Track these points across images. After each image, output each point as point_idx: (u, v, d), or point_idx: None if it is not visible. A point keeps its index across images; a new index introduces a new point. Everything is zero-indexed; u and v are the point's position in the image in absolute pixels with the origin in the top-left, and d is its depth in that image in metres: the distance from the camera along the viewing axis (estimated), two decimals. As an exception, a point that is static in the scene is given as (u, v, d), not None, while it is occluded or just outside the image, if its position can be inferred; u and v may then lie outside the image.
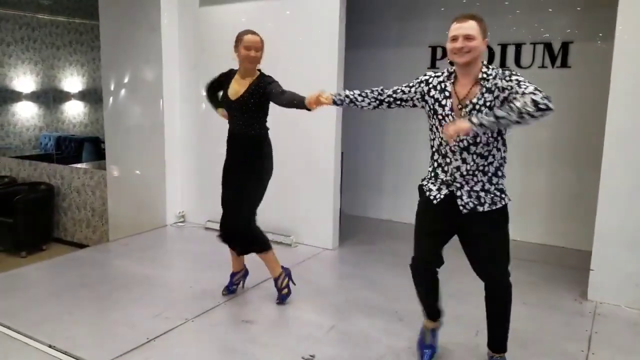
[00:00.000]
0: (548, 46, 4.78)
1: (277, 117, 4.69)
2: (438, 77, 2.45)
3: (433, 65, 5.29)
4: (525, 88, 2.14)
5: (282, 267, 3.42)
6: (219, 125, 5.08)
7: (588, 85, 4.64)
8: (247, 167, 3.30)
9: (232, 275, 3.55)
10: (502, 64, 4.95)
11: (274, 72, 4.73)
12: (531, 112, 2.06)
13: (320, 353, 2.75)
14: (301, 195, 4.67)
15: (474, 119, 2.14)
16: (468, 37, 2.25)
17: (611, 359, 2.75)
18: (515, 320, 3.16)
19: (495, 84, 2.26)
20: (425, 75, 2.51)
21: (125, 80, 5.31)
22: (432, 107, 2.42)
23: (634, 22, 3.28)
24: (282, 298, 3.36)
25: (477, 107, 2.28)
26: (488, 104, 2.27)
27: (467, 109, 2.30)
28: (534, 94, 2.10)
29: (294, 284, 3.42)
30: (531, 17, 4.83)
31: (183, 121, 5.25)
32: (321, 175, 4.56)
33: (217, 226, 5.05)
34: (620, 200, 3.43)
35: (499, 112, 2.11)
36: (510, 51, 4.93)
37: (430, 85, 2.44)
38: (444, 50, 5.23)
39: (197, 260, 4.25)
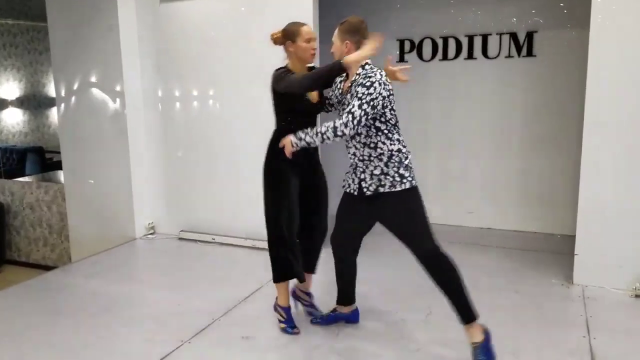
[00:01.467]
0: (514, 36, 4.86)
1: (252, 119, 4.56)
2: (341, 76, 2.76)
3: (402, 59, 5.27)
4: (349, 105, 2.47)
5: (286, 307, 3.06)
6: (188, 129, 4.88)
7: (553, 73, 4.76)
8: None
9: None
10: (470, 55, 5.01)
11: (247, 70, 4.58)
12: (330, 137, 2.47)
13: (332, 364, 2.66)
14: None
15: (295, 139, 2.56)
16: (332, 42, 2.66)
17: (613, 343, 2.82)
18: (512, 308, 3.28)
19: (352, 89, 2.55)
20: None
21: (81, 85, 4.96)
22: None
23: (609, 11, 3.36)
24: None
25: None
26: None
27: (342, 108, 2.69)
28: (340, 118, 2.46)
29: (289, 330, 3.04)
30: (496, 8, 4.89)
31: (148, 126, 4.97)
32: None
33: (192, 236, 4.86)
34: (601, 185, 3.52)
35: (308, 137, 2.53)
36: (477, 42, 4.98)
37: (335, 83, 2.81)
38: (412, 43, 5.23)
39: (178, 275, 4.03)
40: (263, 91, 4.40)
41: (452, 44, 5.08)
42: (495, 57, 4.95)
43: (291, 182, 2.88)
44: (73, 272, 4.20)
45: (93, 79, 4.82)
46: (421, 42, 5.18)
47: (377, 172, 2.59)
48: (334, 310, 3.09)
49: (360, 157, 2.63)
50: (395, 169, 2.56)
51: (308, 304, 3.24)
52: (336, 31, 2.65)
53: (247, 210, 4.66)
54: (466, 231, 4.99)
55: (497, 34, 4.92)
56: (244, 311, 3.34)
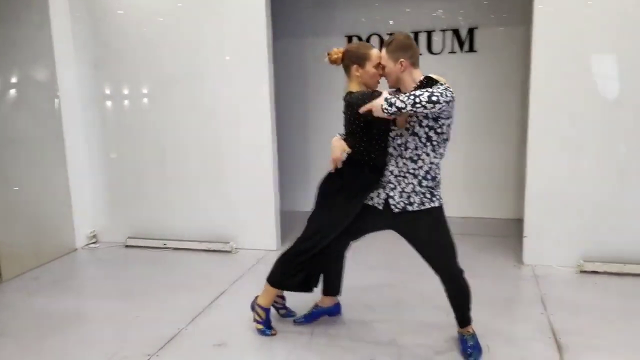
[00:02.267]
0: (456, 32, 5.04)
1: (201, 118, 4.38)
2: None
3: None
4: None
5: (266, 308, 2.99)
6: (131, 129, 4.60)
7: (493, 67, 5.01)
8: None
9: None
10: (413, 50, 5.12)
11: (194, 67, 4.37)
12: (423, 103, 2.23)
13: (311, 364, 2.63)
14: (237, 196, 4.42)
15: (386, 103, 2.29)
16: (382, 66, 2.54)
17: (569, 317, 3.00)
18: (472, 291, 3.39)
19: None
20: None
21: (10, 83, 4.52)
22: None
23: (550, 9, 3.56)
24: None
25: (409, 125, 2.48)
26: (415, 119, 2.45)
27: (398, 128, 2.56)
28: (431, 90, 2.26)
29: (267, 332, 2.97)
30: (440, 5, 5.04)
31: (86, 127, 4.65)
32: (259, 173, 4.35)
33: (141, 243, 4.60)
34: (547, 171, 3.74)
35: (399, 102, 2.26)
36: (422, 38, 5.12)
37: None
38: (360, 39, 5.26)
39: (130, 285, 3.81)
40: (213, 88, 4.32)
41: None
42: (439, 53, 5.10)
43: (357, 205, 2.73)
44: (10, 290, 3.85)
45: (24, 77, 4.41)
46: (368, 38, 5.24)
47: (408, 189, 2.53)
48: (315, 306, 3.06)
49: (397, 173, 2.55)
50: (427, 187, 2.52)
51: (281, 306, 3.18)
52: (384, 53, 2.50)
53: (200, 212, 4.51)
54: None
55: (440, 30, 5.08)
56: (211, 318, 3.22)
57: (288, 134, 5.44)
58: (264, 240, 4.42)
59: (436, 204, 2.56)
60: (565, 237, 3.76)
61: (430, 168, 2.52)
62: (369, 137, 2.59)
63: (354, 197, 2.69)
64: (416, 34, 5.11)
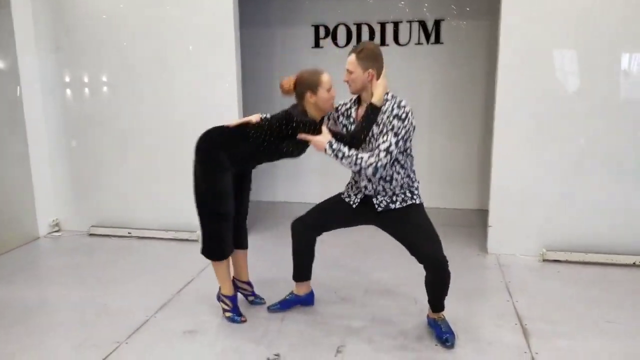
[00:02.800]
0: (423, 24, 5.11)
1: (165, 105, 4.30)
2: (345, 104, 2.74)
3: (317, 45, 5.30)
4: (383, 140, 2.45)
5: (230, 295, 2.98)
6: (94, 116, 4.48)
7: (459, 59, 5.10)
8: None
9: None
10: (382, 42, 5.17)
11: (159, 52, 4.28)
12: (367, 174, 2.48)
13: (283, 349, 2.64)
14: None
15: (333, 146, 2.50)
16: (349, 71, 2.55)
17: (533, 304, 3.11)
18: None
19: (382, 119, 2.50)
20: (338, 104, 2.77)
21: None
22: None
23: (518, 3, 3.66)
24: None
25: (370, 138, 2.55)
26: (376, 136, 2.52)
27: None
28: (378, 159, 2.43)
29: (236, 319, 2.95)
30: (407, -4, 5.10)
31: (48, 114, 4.50)
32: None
33: (105, 231, 4.48)
34: (510, 163, 3.85)
35: (345, 159, 2.48)
36: (389, 29, 5.17)
37: (339, 112, 2.75)
38: (327, 29, 5.28)
39: (95, 274, 3.72)
40: (177, 75, 4.24)
41: (365, 30, 5.22)
42: (406, 44, 5.16)
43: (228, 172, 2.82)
44: (-32, 279, 3.70)
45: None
46: (336, 28, 5.25)
47: (389, 194, 2.64)
48: (291, 293, 3.08)
49: (372, 190, 2.65)
50: (406, 189, 2.64)
51: (250, 293, 3.19)
52: (353, 59, 2.52)
53: (165, 200, 4.45)
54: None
55: (407, 21, 5.14)
56: (179, 305, 3.19)
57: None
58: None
59: (417, 201, 2.66)
60: (528, 227, 3.89)
61: (404, 183, 2.63)
62: (276, 151, 2.74)
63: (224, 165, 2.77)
64: (383, 24, 5.16)
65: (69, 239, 4.51)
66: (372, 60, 2.50)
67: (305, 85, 2.63)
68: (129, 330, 2.86)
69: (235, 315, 2.95)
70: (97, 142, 4.52)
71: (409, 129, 2.46)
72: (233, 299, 2.98)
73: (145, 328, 2.89)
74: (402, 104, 2.48)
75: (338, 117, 2.75)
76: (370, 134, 2.54)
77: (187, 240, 4.38)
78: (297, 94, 2.68)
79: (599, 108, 3.66)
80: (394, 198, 2.64)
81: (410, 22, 5.13)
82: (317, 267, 3.10)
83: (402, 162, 2.58)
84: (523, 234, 3.91)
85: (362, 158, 2.45)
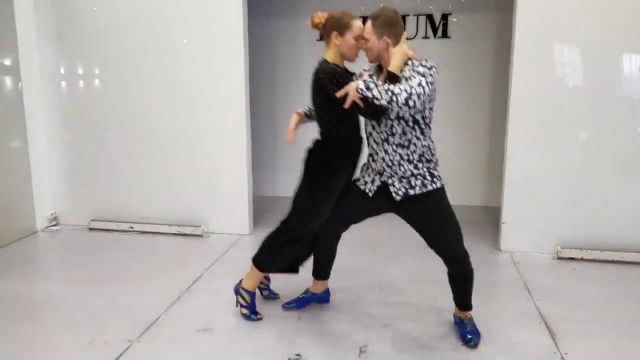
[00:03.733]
0: (430, 18, 5.03)
1: (171, 95, 4.16)
2: (368, 71, 2.57)
3: (321, 38, 5.17)
4: (413, 78, 2.23)
5: (252, 292, 2.87)
6: (94, 108, 4.33)
7: (466, 54, 5.03)
8: None
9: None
10: (390, 35, 5.07)
11: (165, 44, 4.13)
12: (398, 102, 2.18)
13: (304, 349, 2.54)
14: (209, 179, 4.25)
15: (364, 86, 2.22)
16: (365, 39, 2.43)
17: (554, 303, 3.04)
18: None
19: (405, 76, 2.33)
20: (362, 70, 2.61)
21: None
22: None
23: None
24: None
25: None
26: None
27: None
28: (411, 87, 2.18)
29: (252, 317, 2.85)
30: (415, -11, 5.01)
31: (48, 104, 4.34)
32: (232, 155, 4.19)
33: (106, 225, 4.33)
34: (524, 159, 3.79)
35: (376, 91, 2.20)
36: (397, 22, 5.07)
37: (362, 78, 2.53)
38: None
39: (100, 270, 3.58)
40: (181, 65, 4.11)
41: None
42: (413, 38, 5.08)
43: (340, 184, 2.65)
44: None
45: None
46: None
47: (407, 174, 2.44)
48: (306, 291, 2.98)
49: (390, 162, 2.46)
50: (425, 168, 2.45)
51: (265, 287, 3.09)
52: (369, 26, 2.40)
53: (170, 193, 4.32)
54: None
55: (414, 15, 5.06)
56: (191, 303, 3.07)
57: (256, 116, 5.28)
58: (236, 224, 4.28)
59: (438, 185, 2.48)
60: (542, 224, 3.83)
61: (424, 152, 2.45)
62: (336, 109, 2.45)
63: (336, 174, 2.61)
64: (391, 18, 5.06)
65: (68, 233, 4.35)
66: (387, 27, 2.37)
67: (335, 24, 2.50)
68: (141, 328, 2.73)
69: (251, 312, 2.84)
70: (98, 134, 4.37)
71: (435, 78, 2.26)
72: (253, 295, 2.87)
73: (157, 326, 2.77)
74: (427, 61, 2.31)
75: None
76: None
77: (191, 235, 4.25)
78: (325, 32, 2.55)
79: (614, 104, 3.61)
80: (413, 182, 2.44)
81: (417, 15, 5.05)
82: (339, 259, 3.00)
83: (423, 126, 2.41)
84: (537, 231, 3.85)
85: (394, 87, 2.19)
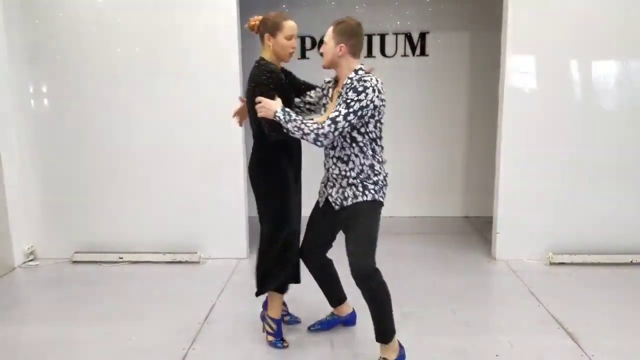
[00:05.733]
0: (408, 36, 5.19)
1: (158, 113, 3.99)
2: (329, 83, 2.61)
3: (303, 56, 5.22)
4: (335, 109, 2.29)
5: (277, 319, 2.83)
6: (75, 131, 4.07)
7: (443, 70, 5.23)
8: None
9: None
10: (369, 53, 5.20)
11: (151, 61, 3.96)
12: (308, 140, 2.32)
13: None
14: (203, 202, 4.12)
15: (281, 114, 2.34)
16: (324, 42, 2.46)
17: (565, 307, 3.22)
18: (461, 290, 3.52)
19: (342, 93, 2.35)
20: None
21: None
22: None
23: (523, 15, 3.80)
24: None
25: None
26: None
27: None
28: (322, 126, 2.27)
29: (278, 344, 2.79)
30: (393, 9, 5.15)
31: (21, 131, 4.04)
32: (228, 176, 4.09)
33: (92, 257, 4.05)
34: (517, 170, 3.99)
35: (290, 124, 2.32)
36: (376, 41, 5.20)
37: (324, 89, 2.65)
38: (313, 40, 5.21)
39: (100, 307, 3.34)
40: (172, 86, 3.97)
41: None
42: (392, 56, 5.22)
43: (292, 187, 2.67)
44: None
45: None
46: (322, 39, 5.17)
47: (344, 184, 2.47)
48: (331, 314, 2.96)
49: (333, 174, 2.51)
50: (360, 182, 2.44)
51: (285, 313, 3.04)
52: (330, 31, 2.42)
53: (161, 219, 4.14)
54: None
55: (393, 33, 5.20)
56: (214, 334, 2.96)
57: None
58: (233, 248, 4.18)
59: (368, 198, 2.43)
60: (533, 232, 4.04)
61: (363, 170, 2.44)
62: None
63: (280, 179, 2.62)
64: (370, 36, 5.19)
65: (49, 268, 4.04)
66: (347, 36, 2.37)
67: (266, 25, 2.55)
68: (171, 366, 2.60)
69: (277, 340, 2.79)
70: (77, 157, 4.11)
71: (366, 105, 2.26)
72: (279, 322, 2.82)
73: (188, 362, 2.65)
74: (364, 78, 2.30)
75: (321, 94, 2.66)
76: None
77: (187, 262, 4.09)
78: (260, 33, 2.60)
79: (602, 114, 3.89)
80: (346, 193, 2.46)
81: (396, 34, 5.20)
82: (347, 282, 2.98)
83: (362, 145, 2.40)
84: (528, 239, 4.05)
85: (306, 123, 2.30)
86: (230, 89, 3.90)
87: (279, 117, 2.33)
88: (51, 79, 4.02)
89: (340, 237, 2.59)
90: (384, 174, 2.50)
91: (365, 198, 2.43)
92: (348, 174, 2.43)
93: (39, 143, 4.10)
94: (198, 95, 3.97)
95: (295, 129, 2.30)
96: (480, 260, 4.11)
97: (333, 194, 2.52)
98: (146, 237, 4.17)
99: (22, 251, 4.10)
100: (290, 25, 2.55)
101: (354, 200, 2.44)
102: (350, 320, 2.99)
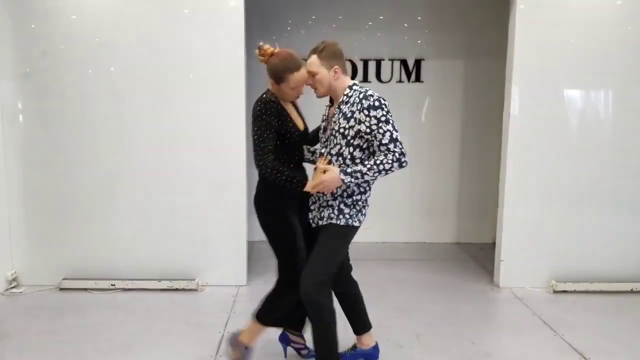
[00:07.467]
0: (404, 62, 5.23)
1: (154, 131, 3.81)
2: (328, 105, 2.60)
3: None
4: (382, 136, 2.28)
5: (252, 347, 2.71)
6: (61, 150, 3.84)
7: (438, 96, 5.29)
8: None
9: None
10: (365, 79, 5.20)
11: (152, 76, 3.78)
12: (394, 170, 2.30)
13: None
14: (201, 226, 3.95)
15: (346, 176, 2.29)
16: (312, 73, 2.41)
17: (580, 335, 3.22)
18: (470, 320, 3.47)
19: (352, 112, 2.34)
20: None
21: None
22: None
23: (527, 42, 3.88)
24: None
25: (334, 133, 2.41)
26: (342, 130, 2.37)
27: (326, 136, 2.49)
28: (393, 151, 2.27)
29: None
30: (389, 36, 5.19)
31: (7, 150, 3.79)
32: (227, 200, 3.93)
33: (80, 284, 3.77)
34: (520, 198, 4.02)
35: (368, 174, 2.29)
36: (372, 66, 5.22)
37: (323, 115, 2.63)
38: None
39: (99, 338, 3.11)
40: (169, 103, 3.82)
41: (347, 66, 5.18)
42: (387, 81, 5.24)
43: (292, 219, 2.53)
44: None
45: None
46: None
47: (323, 204, 2.45)
48: (354, 347, 2.83)
49: (316, 193, 2.45)
50: (338, 202, 2.41)
51: (303, 347, 2.90)
52: (315, 59, 2.39)
53: (156, 244, 3.94)
54: (363, 246, 5.01)
55: (389, 59, 5.23)
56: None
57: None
58: (232, 275, 4.00)
59: (341, 223, 2.40)
60: (536, 260, 4.06)
61: (340, 195, 2.42)
62: (286, 148, 2.48)
63: (285, 218, 2.51)
64: (365, 61, 5.21)
65: (36, 296, 3.75)
66: (335, 58, 2.39)
67: (272, 73, 2.42)
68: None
69: None
70: (70, 180, 3.88)
71: (388, 111, 2.31)
72: (250, 352, 2.67)
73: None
74: (369, 92, 2.33)
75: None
76: (337, 127, 2.39)
77: (184, 289, 3.89)
78: (267, 71, 2.47)
79: (604, 143, 3.98)
80: (323, 213, 2.44)
81: (392, 60, 5.23)
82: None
83: (359, 161, 2.40)
84: (532, 267, 4.07)
85: (376, 162, 2.27)
86: (232, 113, 3.83)
87: (349, 180, 2.30)
88: (43, 96, 3.80)
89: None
90: (369, 194, 2.47)
91: (338, 222, 2.40)
92: (332, 195, 2.41)
93: (26, 160, 3.85)
94: (197, 117, 3.84)
95: (375, 173, 2.29)
96: (484, 288, 4.09)
97: (314, 212, 2.52)
98: (140, 263, 3.94)
99: (4, 277, 3.79)
100: (297, 78, 2.40)
101: (328, 221, 2.43)
102: (373, 354, 2.84)
